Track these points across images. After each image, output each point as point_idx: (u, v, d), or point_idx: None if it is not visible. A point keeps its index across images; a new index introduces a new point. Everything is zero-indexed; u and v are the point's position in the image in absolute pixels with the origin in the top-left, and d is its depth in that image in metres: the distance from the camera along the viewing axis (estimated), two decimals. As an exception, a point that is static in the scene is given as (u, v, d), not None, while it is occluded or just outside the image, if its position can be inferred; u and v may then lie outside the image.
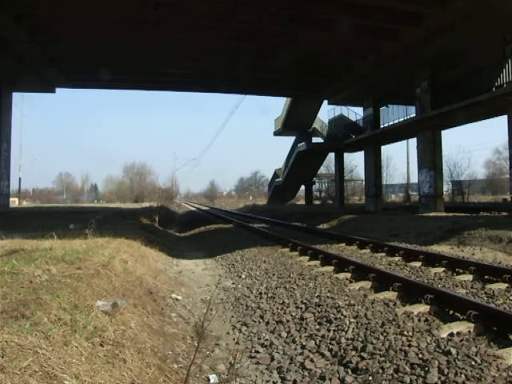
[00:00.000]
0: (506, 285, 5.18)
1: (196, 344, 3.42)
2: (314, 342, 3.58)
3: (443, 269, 6.32)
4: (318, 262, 7.27)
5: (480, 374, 2.73)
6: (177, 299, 5.20)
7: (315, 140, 29.19)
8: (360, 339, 3.46)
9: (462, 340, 3.39)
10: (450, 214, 14.80)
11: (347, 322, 3.85)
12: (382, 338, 3.41)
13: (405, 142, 32.53)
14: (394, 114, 20.31)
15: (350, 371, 3.01)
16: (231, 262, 7.97)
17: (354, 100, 22.35)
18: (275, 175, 36.46)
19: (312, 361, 3.23)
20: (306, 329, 3.90)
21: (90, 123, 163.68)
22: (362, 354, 3.19)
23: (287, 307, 4.60)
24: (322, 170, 35.67)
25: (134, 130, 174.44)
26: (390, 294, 4.89)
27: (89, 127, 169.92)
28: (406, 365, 2.92)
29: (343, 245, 9.56)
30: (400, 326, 3.64)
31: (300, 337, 3.75)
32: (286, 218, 19.01)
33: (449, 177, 29.59)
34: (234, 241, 11.17)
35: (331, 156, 30.57)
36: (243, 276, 6.63)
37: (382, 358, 3.06)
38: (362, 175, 28.52)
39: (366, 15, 12.25)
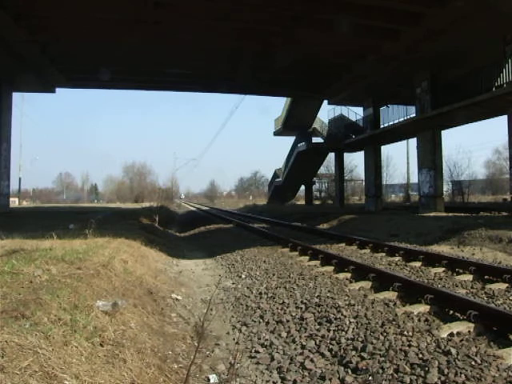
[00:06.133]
0: (506, 285, 5.19)
1: (196, 344, 3.42)
2: (314, 342, 3.58)
3: (443, 269, 6.32)
4: (318, 262, 7.28)
5: (480, 374, 2.73)
6: (177, 299, 5.20)
7: (315, 140, 29.20)
8: (360, 339, 3.46)
9: (462, 340, 3.39)
10: (450, 214, 14.79)
11: (347, 322, 3.85)
12: (382, 338, 3.41)
13: (405, 142, 32.55)
14: (394, 114, 20.30)
15: (350, 371, 3.01)
16: (231, 262, 7.97)
17: (353, 100, 22.32)
18: (275, 175, 36.47)
19: (312, 361, 3.23)
20: (306, 329, 3.90)
21: (90, 123, 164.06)
22: (362, 353, 3.19)
23: (287, 307, 4.60)
24: (322, 169, 35.66)
25: (134, 130, 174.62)
26: (390, 294, 4.89)
27: (89, 127, 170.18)
28: (405, 365, 2.92)
29: (343, 245, 9.56)
30: (400, 326, 3.64)
31: (300, 337, 3.75)
32: (285, 217, 19.00)
33: (449, 177, 29.56)
34: (234, 241, 11.17)
35: (331, 156, 30.56)
36: (243, 276, 6.63)
37: (382, 358, 3.06)
38: (362, 175, 28.50)
39: (365, 15, 12.23)
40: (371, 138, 21.15)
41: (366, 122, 22.16)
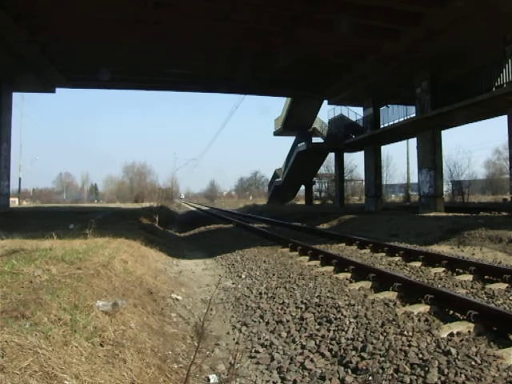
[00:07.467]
0: (506, 285, 5.19)
1: (196, 344, 3.42)
2: (314, 342, 3.58)
3: (443, 269, 6.32)
4: (318, 262, 7.27)
5: (480, 374, 2.73)
6: (177, 299, 5.20)
7: (315, 140, 29.20)
8: (360, 339, 3.46)
9: (462, 340, 3.39)
10: (450, 214, 14.78)
11: (347, 322, 3.85)
12: (382, 338, 3.41)
13: (405, 142, 32.55)
14: (394, 114, 20.30)
15: (350, 371, 3.01)
16: (231, 262, 7.97)
17: (353, 100, 22.32)
18: (275, 175, 36.48)
19: (312, 361, 3.23)
20: (306, 329, 3.90)
21: (90, 123, 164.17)
22: (362, 353, 3.19)
23: (287, 307, 4.60)
24: (322, 169, 35.64)
25: (134, 130, 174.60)
26: (390, 294, 4.89)
27: (89, 127, 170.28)
28: (405, 365, 2.92)
29: (343, 245, 9.56)
30: (400, 326, 3.64)
31: (300, 337, 3.75)
32: (285, 217, 19.00)
33: (449, 177, 29.53)
34: (234, 241, 11.17)
35: (331, 156, 30.56)
36: (243, 276, 6.63)
37: (382, 358, 3.06)
38: (362, 175, 28.49)
39: (365, 15, 12.23)
40: (371, 138, 21.16)
41: (366, 121, 22.16)
